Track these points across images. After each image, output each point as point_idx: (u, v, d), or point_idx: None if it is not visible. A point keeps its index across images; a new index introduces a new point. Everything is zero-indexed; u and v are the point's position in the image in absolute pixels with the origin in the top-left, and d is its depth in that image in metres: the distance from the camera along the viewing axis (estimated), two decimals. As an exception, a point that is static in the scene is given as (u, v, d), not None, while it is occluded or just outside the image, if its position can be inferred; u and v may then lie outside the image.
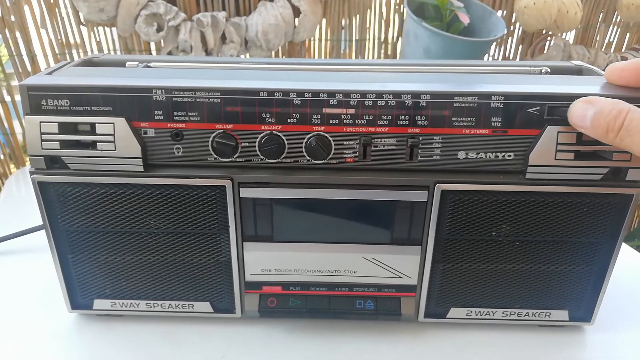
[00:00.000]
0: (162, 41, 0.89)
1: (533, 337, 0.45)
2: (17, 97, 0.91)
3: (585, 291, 0.43)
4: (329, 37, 1.01)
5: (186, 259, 0.43)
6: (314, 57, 1.03)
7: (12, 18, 0.83)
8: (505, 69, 0.46)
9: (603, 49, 1.15)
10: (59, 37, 0.88)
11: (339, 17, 0.99)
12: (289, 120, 0.37)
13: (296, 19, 0.93)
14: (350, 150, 0.38)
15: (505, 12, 1.03)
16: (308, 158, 0.39)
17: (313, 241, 0.42)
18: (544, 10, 0.94)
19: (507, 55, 1.10)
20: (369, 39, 1.03)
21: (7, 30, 0.84)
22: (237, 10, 0.92)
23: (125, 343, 0.44)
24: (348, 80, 0.39)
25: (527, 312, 0.44)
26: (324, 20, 0.99)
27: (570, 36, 1.11)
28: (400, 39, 1.03)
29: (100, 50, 0.91)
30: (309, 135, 0.38)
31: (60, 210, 0.40)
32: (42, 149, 0.38)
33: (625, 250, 0.58)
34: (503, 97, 0.37)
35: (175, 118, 0.37)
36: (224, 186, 0.39)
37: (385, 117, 0.37)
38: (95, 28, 0.89)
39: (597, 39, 1.14)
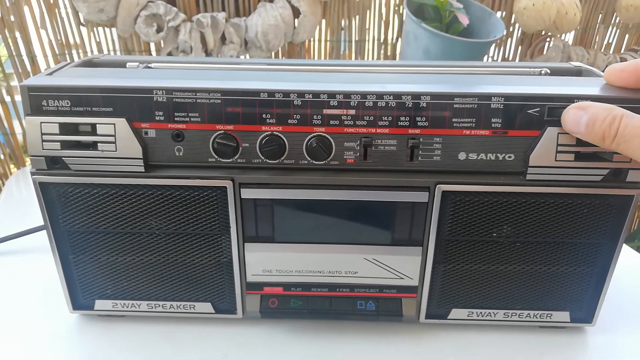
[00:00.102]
0: (161, 42, 0.89)
1: (534, 338, 0.45)
2: (17, 98, 0.91)
3: (586, 292, 0.43)
4: (328, 38, 1.01)
5: (187, 259, 0.43)
6: (313, 58, 1.04)
7: (12, 18, 0.83)
8: (505, 70, 0.46)
9: (602, 50, 1.15)
10: (59, 38, 0.88)
11: (339, 18, 0.99)
12: (289, 121, 0.38)
13: (296, 20, 0.93)
14: (350, 151, 0.38)
15: (504, 13, 1.03)
16: (309, 159, 0.39)
17: (314, 242, 0.42)
18: (543, 12, 0.94)
19: (506, 56, 1.10)
20: (368, 40, 1.03)
21: (6, 31, 0.84)
22: (236, 11, 0.92)
23: (127, 343, 0.44)
24: (348, 81, 0.39)
25: (528, 313, 0.45)
26: (323, 21, 0.99)
27: (569, 37, 1.11)
28: (399, 39, 1.03)
29: (100, 50, 0.91)
30: (309, 136, 0.38)
31: (61, 210, 0.40)
32: (43, 149, 0.38)
33: (625, 252, 0.58)
34: (503, 98, 0.37)
35: (176, 119, 0.37)
36: (225, 187, 0.39)
37: (385, 118, 0.37)
38: (95, 28, 0.89)
39: (596, 40, 1.14)
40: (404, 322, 0.46)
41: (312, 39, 1.00)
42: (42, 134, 0.37)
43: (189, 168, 0.39)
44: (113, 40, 0.91)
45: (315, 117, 0.37)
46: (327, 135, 0.38)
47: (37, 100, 0.37)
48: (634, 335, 0.46)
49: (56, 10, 0.86)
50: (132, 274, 0.43)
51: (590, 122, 0.34)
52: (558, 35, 1.04)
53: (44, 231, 0.41)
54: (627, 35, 1.16)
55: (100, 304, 0.45)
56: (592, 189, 0.39)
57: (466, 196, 0.39)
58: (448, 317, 0.45)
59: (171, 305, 0.45)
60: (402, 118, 0.37)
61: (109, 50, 0.92)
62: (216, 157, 0.39)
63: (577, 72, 0.47)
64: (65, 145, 0.38)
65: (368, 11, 1.00)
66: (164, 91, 0.37)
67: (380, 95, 0.37)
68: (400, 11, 1.01)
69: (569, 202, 0.39)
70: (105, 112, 0.37)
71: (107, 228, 0.41)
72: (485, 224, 0.40)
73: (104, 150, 0.38)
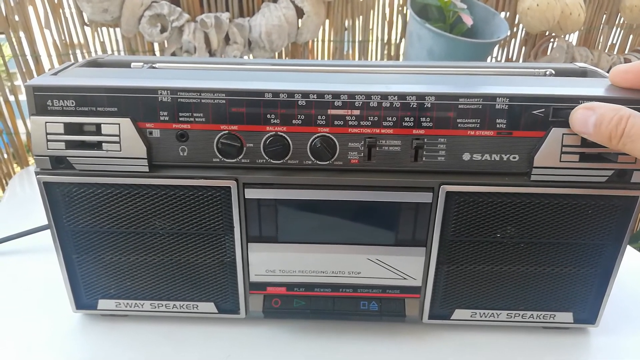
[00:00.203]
0: (165, 42, 0.89)
1: (537, 339, 0.45)
2: (21, 97, 0.91)
3: (589, 293, 0.43)
4: (332, 38, 1.01)
5: (191, 259, 0.43)
6: (317, 58, 1.04)
7: (16, 18, 0.83)
8: (509, 70, 0.46)
9: (606, 51, 1.15)
10: (63, 38, 0.88)
11: (342, 18, 0.99)
12: (293, 121, 0.38)
13: (299, 20, 0.93)
14: (355, 152, 0.38)
15: (508, 13, 1.03)
16: (313, 159, 0.39)
17: (317, 242, 0.42)
18: (547, 12, 0.94)
19: (510, 56, 1.10)
20: (372, 40, 1.03)
21: (11, 30, 0.84)
22: (240, 11, 0.93)
23: (130, 343, 0.44)
24: (352, 82, 0.39)
25: (532, 314, 0.44)
26: (327, 22, 0.99)
27: (573, 38, 1.11)
28: (403, 40, 1.03)
29: (103, 50, 0.91)
30: (313, 137, 0.38)
31: (65, 210, 0.40)
32: (48, 149, 0.38)
33: (629, 253, 0.57)
34: (508, 99, 0.37)
35: (180, 119, 0.38)
36: (229, 187, 0.39)
37: (390, 119, 0.37)
38: (99, 28, 0.89)
39: (600, 40, 1.14)
40: (407, 323, 0.46)
41: (315, 40, 1.00)
42: (47, 133, 0.38)
43: (193, 168, 0.39)
44: (117, 41, 0.91)
45: (319, 117, 0.37)
46: (331, 136, 0.38)
47: (42, 100, 0.37)
48: (637, 336, 0.46)
49: (60, 11, 0.86)
50: (136, 274, 0.43)
51: (597, 122, 0.34)
52: (562, 36, 1.04)
53: (47, 231, 0.41)
54: (631, 36, 1.16)
55: (104, 304, 0.45)
56: (597, 190, 0.38)
57: (470, 197, 0.39)
58: (451, 318, 0.45)
59: (174, 305, 0.45)
60: (407, 118, 0.37)
61: (112, 50, 0.92)
62: (220, 157, 0.39)
63: (582, 73, 0.47)
64: (70, 145, 0.38)
65: (372, 11, 1.00)
66: (168, 91, 0.37)
67: (384, 96, 0.37)
68: (404, 11, 1.01)
69: (574, 203, 0.39)
70: (110, 112, 0.37)
71: (111, 228, 0.41)
72: (489, 224, 0.40)
73: (109, 150, 0.38)
